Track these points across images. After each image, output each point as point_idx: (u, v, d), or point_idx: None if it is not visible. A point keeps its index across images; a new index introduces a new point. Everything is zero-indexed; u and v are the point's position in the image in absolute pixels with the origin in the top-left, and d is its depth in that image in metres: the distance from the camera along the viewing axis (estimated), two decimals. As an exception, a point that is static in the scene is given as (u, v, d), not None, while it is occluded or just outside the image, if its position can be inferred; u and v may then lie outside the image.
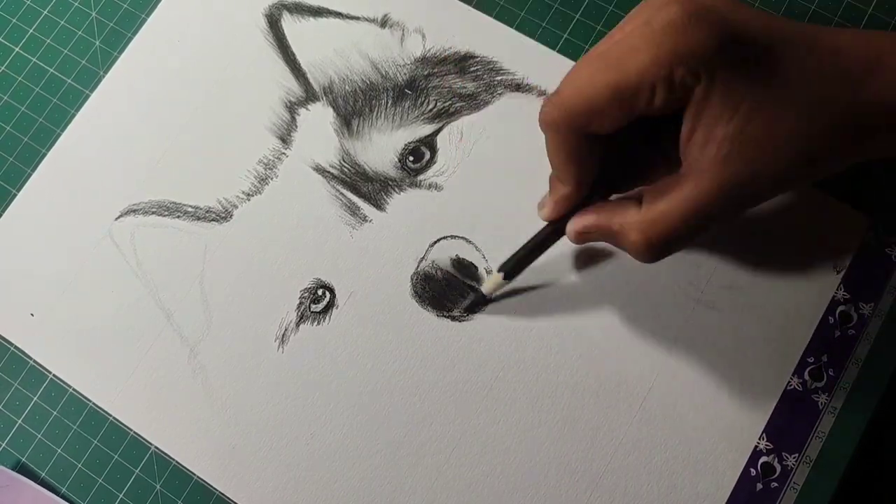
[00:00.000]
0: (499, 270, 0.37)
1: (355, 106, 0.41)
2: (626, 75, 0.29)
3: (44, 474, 0.39)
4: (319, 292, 0.39)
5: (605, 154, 0.33)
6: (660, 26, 0.28)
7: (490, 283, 0.37)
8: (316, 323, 0.39)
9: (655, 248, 0.31)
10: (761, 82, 0.29)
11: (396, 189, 0.40)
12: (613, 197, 0.34)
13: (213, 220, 0.41)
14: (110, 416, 0.39)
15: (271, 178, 0.41)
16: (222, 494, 0.37)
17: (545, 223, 0.35)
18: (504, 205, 0.39)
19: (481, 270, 0.38)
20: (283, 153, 0.41)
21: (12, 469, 0.38)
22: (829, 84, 0.29)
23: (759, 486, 0.36)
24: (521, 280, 0.38)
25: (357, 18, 0.43)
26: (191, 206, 0.41)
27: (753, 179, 0.29)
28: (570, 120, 0.31)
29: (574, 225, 0.34)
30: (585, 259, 0.39)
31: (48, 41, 0.44)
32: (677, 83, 0.28)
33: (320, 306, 0.39)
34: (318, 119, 0.41)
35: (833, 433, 0.36)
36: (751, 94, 0.28)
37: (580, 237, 0.34)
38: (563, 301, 0.38)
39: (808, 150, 0.29)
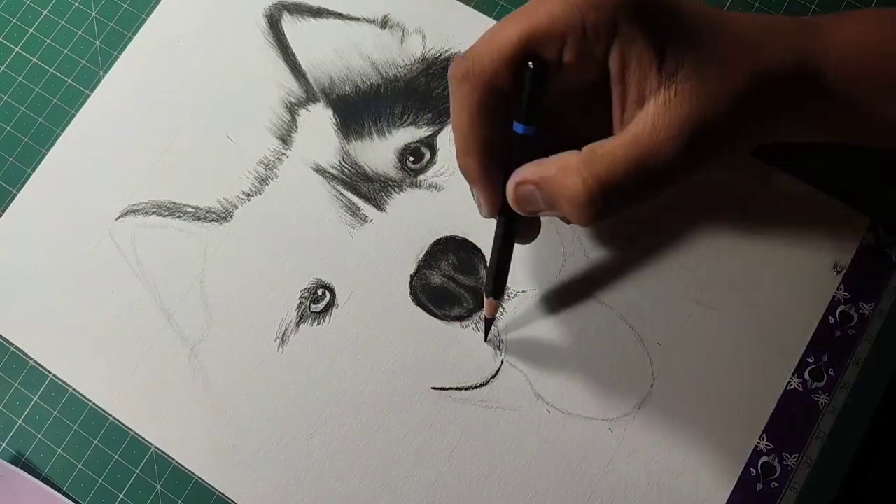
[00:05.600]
0: (488, 296, 0.36)
1: (356, 106, 0.41)
2: (537, 20, 0.29)
3: (44, 474, 0.39)
4: (319, 292, 0.39)
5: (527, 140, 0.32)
6: None
7: (487, 307, 0.37)
8: (316, 323, 0.39)
9: (595, 194, 0.29)
10: (678, 34, 0.29)
11: (396, 189, 0.40)
12: None
13: (213, 220, 0.41)
14: (110, 416, 0.39)
15: (271, 179, 0.41)
16: (222, 494, 0.37)
17: (496, 226, 0.34)
18: (504, 205, 0.39)
19: (481, 270, 0.38)
20: (284, 153, 0.41)
21: (12, 469, 0.38)
22: (732, 46, 0.30)
23: (759, 486, 0.36)
24: (520, 281, 0.38)
25: (357, 19, 0.43)
26: (191, 207, 0.41)
27: (703, 117, 0.29)
28: (480, 71, 0.30)
29: (511, 181, 0.31)
30: (584, 261, 0.39)
31: (48, 41, 0.44)
32: (589, 30, 0.29)
33: (320, 306, 0.39)
34: (319, 119, 0.41)
35: (833, 433, 0.36)
36: (670, 42, 0.29)
37: (519, 196, 0.31)
38: (562, 301, 0.38)
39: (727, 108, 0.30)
